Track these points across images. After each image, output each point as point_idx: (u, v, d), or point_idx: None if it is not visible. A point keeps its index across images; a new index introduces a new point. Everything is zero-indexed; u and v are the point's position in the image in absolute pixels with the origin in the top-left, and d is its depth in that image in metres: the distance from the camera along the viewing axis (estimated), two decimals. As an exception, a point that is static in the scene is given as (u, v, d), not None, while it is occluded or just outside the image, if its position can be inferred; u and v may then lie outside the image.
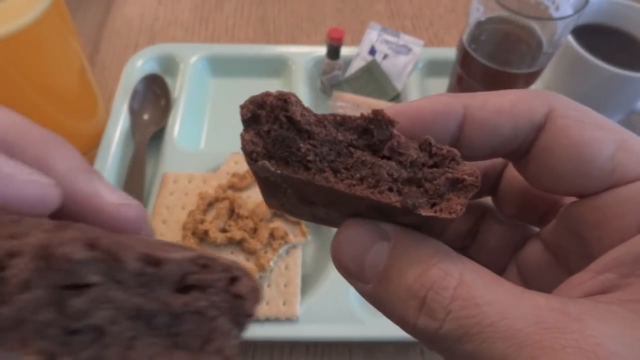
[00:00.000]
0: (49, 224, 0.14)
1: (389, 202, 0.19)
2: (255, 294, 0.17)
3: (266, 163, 0.20)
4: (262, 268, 0.56)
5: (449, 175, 0.20)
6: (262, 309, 0.55)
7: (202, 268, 0.16)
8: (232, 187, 0.61)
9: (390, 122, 0.20)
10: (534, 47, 0.63)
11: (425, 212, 0.19)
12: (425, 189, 0.20)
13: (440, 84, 0.79)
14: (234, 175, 0.63)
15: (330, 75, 0.78)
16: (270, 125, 0.20)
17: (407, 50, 0.80)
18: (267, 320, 0.55)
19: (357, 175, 0.20)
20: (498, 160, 0.26)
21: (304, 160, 0.20)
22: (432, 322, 0.18)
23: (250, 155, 0.20)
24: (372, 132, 0.20)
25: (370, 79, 0.78)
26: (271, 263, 0.56)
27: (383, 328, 0.56)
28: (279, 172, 0.19)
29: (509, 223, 0.27)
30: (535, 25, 0.62)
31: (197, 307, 0.15)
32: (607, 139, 0.20)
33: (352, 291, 0.58)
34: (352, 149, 0.20)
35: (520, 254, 0.26)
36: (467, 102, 0.21)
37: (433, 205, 0.20)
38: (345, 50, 0.77)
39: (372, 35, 0.82)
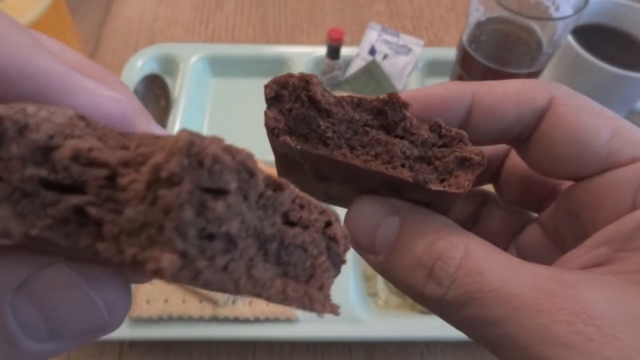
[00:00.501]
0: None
1: (402, 177, 0.21)
2: (347, 239, 0.17)
3: (287, 139, 0.21)
4: (262, 268, 0.55)
5: (458, 154, 0.21)
6: (262, 309, 0.55)
7: (300, 207, 0.16)
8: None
9: (403, 105, 0.22)
10: (534, 47, 0.63)
11: (435, 187, 0.21)
12: (435, 166, 0.21)
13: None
14: (234, 175, 0.63)
15: (330, 76, 0.78)
16: (292, 103, 0.21)
17: (407, 50, 0.80)
18: (267, 320, 0.55)
19: (372, 152, 0.21)
20: (500, 149, 0.27)
21: (323, 137, 0.21)
22: (438, 289, 0.20)
23: (272, 132, 0.21)
24: (387, 113, 0.22)
25: (370, 79, 0.78)
26: (271, 263, 0.56)
27: (383, 328, 0.56)
28: (298, 147, 0.21)
29: (509, 209, 0.28)
30: (535, 25, 0.62)
31: (303, 240, 0.15)
32: (603, 125, 0.21)
33: (352, 291, 0.58)
34: (367, 128, 0.22)
35: (519, 237, 0.27)
36: (475, 89, 0.22)
37: (442, 181, 0.21)
38: (345, 50, 0.77)
39: (372, 36, 0.82)
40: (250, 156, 0.13)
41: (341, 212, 0.23)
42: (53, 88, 0.15)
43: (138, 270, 0.12)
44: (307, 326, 0.55)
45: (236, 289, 0.13)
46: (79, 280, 0.14)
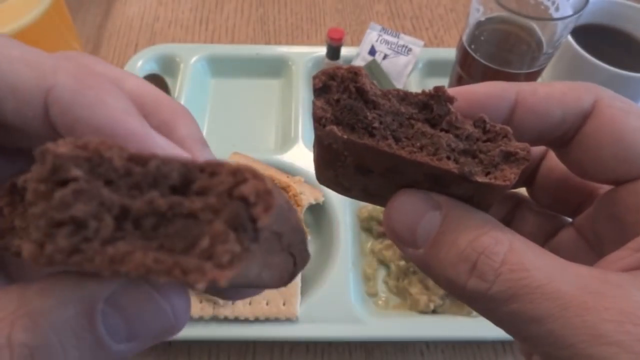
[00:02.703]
0: None
1: (448, 169, 0.21)
2: (265, 197, 0.15)
3: (334, 128, 0.21)
4: (262, 268, 0.55)
5: (503, 148, 0.21)
6: (262, 309, 0.55)
7: (210, 176, 0.15)
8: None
9: (449, 99, 0.22)
10: (533, 47, 0.63)
11: (482, 179, 0.21)
12: (480, 159, 0.22)
13: (440, 84, 0.79)
14: (234, 175, 0.63)
15: (330, 76, 0.78)
16: (339, 94, 0.21)
17: (407, 50, 0.80)
18: (267, 320, 0.55)
19: (418, 144, 0.22)
20: (536, 152, 0.27)
21: (369, 128, 0.21)
22: (482, 284, 0.20)
23: (319, 121, 0.21)
24: (432, 107, 0.22)
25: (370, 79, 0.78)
26: (271, 263, 0.56)
27: (383, 328, 0.56)
28: (345, 137, 0.21)
29: (543, 213, 0.28)
30: (535, 26, 0.62)
31: (189, 209, 0.15)
32: None
33: (352, 291, 0.58)
34: (412, 121, 0.22)
35: (553, 240, 0.27)
36: (519, 88, 0.23)
37: (487, 174, 0.21)
38: (345, 51, 0.77)
39: (372, 36, 0.82)
40: (103, 142, 0.15)
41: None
42: (136, 146, 0.18)
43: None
44: (307, 326, 0.55)
45: (93, 267, 0.14)
46: (154, 293, 0.17)
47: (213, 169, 0.15)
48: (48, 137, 0.19)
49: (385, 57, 0.80)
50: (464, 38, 0.66)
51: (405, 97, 0.22)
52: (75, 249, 0.14)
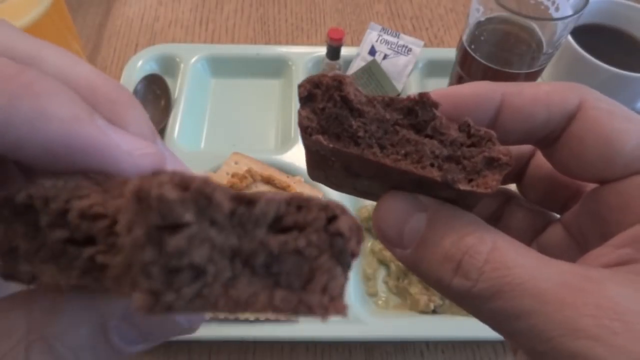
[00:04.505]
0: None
1: (431, 177, 0.21)
2: (357, 231, 0.16)
3: (320, 137, 0.21)
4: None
5: (486, 154, 0.22)
6: (262, 309, 0.55)
7: (297, 210, 0.15)
8: (232, 187, 0.61)
9: (434, 104, 0.22)
10: (533, 47, 0.63)
11: (463, 187, 0.21)
12: (463, 165, 0.22)
13: (440, 84, 0.79)
14: (234, 175, 0.63)
15: (330, 76, 0.78)
16: (325, 103, 0.22)
17: (407, 50, 0.81)
18: (267, 320, 0.55)
19: (402, 152, 0.22)
20: (525, 149, 0.28)
21: (355, 136, 0.22)
22: (466, 282, 0.20)
23: (305, 130, 0.22)
24: (417, 113, 0.22)
25: (370, 79, 0.78)
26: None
27: (383, 328, 0.56)
28: (330, 146, 0.21)
29: (532, 209, 0.29)
30: (535, 26, 0.62)
31: (295, 246, 0.15)
32: (634, 130, 0.21)
33: (352, 291, 0.58)
34: (398, 127, 0.22)
35: (541, 236, 0.27)
36: (505, 89, 0.23)
37: (470, 180, 0.21)
38: (345, 51, 0.77)
39: (372, 36, 0.82)
40: (205, 181, 0.14)
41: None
42: (100, 159, 0.17)
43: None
44: (307, 326, 0.55)
45: (217, 310, 0.14)
46: None
47: (299, 202, 0.15)
48: None
49: (385, 57, 0.80)
50: (464, 38, 0.66)
51: (390, 102, 0.22)
52: (197, 295, 0.13)
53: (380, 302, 0.60)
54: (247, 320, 0.55)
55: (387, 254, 0.62)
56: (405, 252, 0.23)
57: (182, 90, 0.76)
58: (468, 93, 0.23)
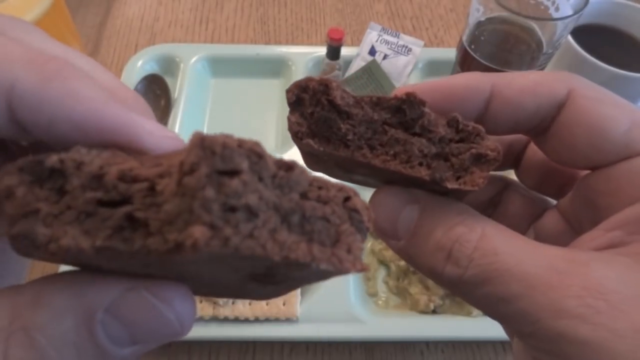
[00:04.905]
0: None
1: (420, 176, 0.22)
2: (367, 210, 0.19)
3: (310, 141, 0.22)
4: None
5: (474, 150, 0.22)
6: (262, 309, 0.55)
7: (318, 189, 0.17)
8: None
9: (421, 102, 0.22)
10: (533, 47, 0.63)
11: (451, 185, 0.22)
12: (451, 163, 0.22)
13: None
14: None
15: (330, 76, 0.78)
16: (313, 107, 0.22)
17: (407, 50, 0.81)
18: (267, 320, 0.55)
19: (391, 152, 0.22)
20: (522, 136, 0.28)
21: (344, 139, 0.22)
22: (456, 270, 0.21)
23: (295, 135, 0.22)
24: (405, 111, 0.22)
25: (370, 79, 0.78)
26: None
27: (383, 328, 0.56)
28: (321, 149, 0.22)
29: (530, 195, 0.29)
30: (535, 26, 0.62)
31: (323, 212, 0.17)
32: (622, 116, 0.22)
33: (352, 291, 0.58)
34: (386, 127, 0.22)
35: (538, 222, 0.28)
36: (495, 80, 0.23)
37: (458, 178, 0.22)
38: (345, 51, 0.77)
39: (372, 36, 0.82)
40: (256, 143, 0.15)
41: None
42: (126, 135, 0.18)
43: (182, 254, 0.14)
44: (307, 326, 0.55)
45: (264, 253, 0.15)
46: (155, 301, 0.17)
47: (319, 183, 0.18)
48: (16, 138, 0.18)
49: (385, 57, 0.80)
50: (464, 38, 0.66)
51: (378, 102, 0.22)
52: (250, 234, 0.15)
53: (380, 302, 0.60)
54: (247, 320, 0.55)
55: (387, 254, 0.62)
56: (400, 243, 0.23)
57: (182, 90, 0.76)
58: (458, 84, 0.23)
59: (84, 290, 0.16)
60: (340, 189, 0.18)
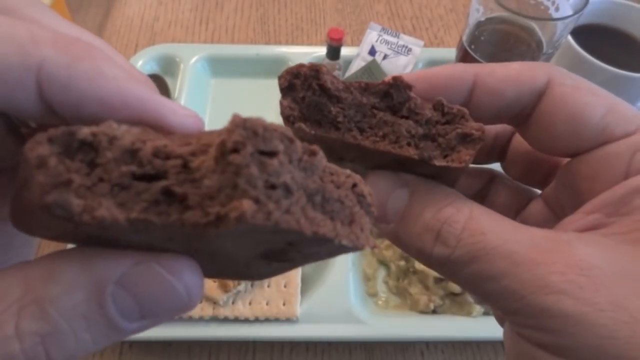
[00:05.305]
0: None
1: (408, 155, 0.22)
2: (371, 196, 0.20)
3: (302, 125, 0.23)
4: (262, 268, 0.56)
5: (459, 130, 0.23)
6: (262, 309, 0.55)
7: (330, 174, 0.19)
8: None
9: (407, 86, 0.23)
10: (533, 47, 0.63)
11: (439, 162, 0.22)
12: (438, 143, 0.23)
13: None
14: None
15: (330, 76, 0.78)
16: (304, 92, 0.23)
17: (407, 50, 0.81)
18: (267, 320, 0.55)
19: (380, 133, 0.23)
20: (507, 128, 0.29)
21: (335, 122, 0.23)
22: (445, 249, 0.22)
23: (288, 119, 0.23)
24: (392, 96, 0.23)
25: (370, 79, 0.78)
26: (271, 263, 0.56)
27: (383, 328, 0.56)
28: (313, 132, 0.23)
29: (515, 186, 0.30)
30: (535, 26, 0.62)
31: (339, 195, 0.18)
32: (598, 103, 0.22)
33: (352, 291, 0.58)
34: (375, 111, 0.23)
35: (523, 212, 0.29)
36: (477, 70, 0.24)
37: (445, 156, 0.23)
38: (345, 51, 0.77)
39: (372, 36, 0.82)
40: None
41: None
42: (152, 112, 0.18)
43: (221, 227, 0.15)
44: (307, 326, 0.55)
45: (299, 227, 0.16)
46: (165, 273, 0.17)
47: (330, 170, 0.19)
48: (42, 118, 0.18)
49: (385, 57, 0.80)
50: (464, 38, 0.66)
51: (366, 87, 0.23)
52: (288, 210, 0.16)
53: (380, 302, 0.60)
54: (247, 320, 0.55)
55: (387, 253, 0.62)
56: (389, 227, 0.24)
57: (182, 90, 0.76)
58: (442, 74, 0.24)
59: (95, 264, 0.17)
60: (349, 175, 0.19)
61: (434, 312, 0.58)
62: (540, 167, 0.28)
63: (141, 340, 0.57)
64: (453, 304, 0.58)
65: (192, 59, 0.79)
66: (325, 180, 0.18)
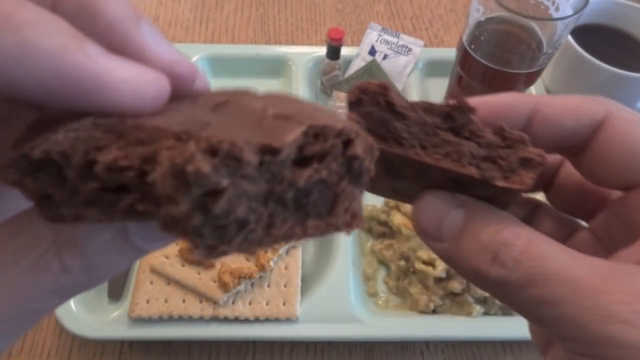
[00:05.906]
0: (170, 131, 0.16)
1: (470, 174, 0.23)
2: (371, 151, 0.19)
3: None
4: (262, 268, 0.56)
5: (520, 154, 0.23)
6: (262, 309, 0.55)
7: (315, 138, 0.17)
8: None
9: (470, 110, 0.24)
10: (534, 47, 0.63)
11: (501, 183, 0.23)
12: (499, 165, 0.23)
13: (440, 84, 0.79)
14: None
15: (330, 76, 0.78)
16: (371, 107, 0.23)
17: (407, 50, 0.81)
18: (267, 320, 0.55)
19: (442, 152, 0.24)
20: (556, 159, 0.29)
21: (398, 138, 0.23)
22: (502, 271, 0.21)
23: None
24: (455, 117, 0.24)
25: (370, 79, 0.78)
26: (271, 263, 0.56)
27: (383, 328, 0.56)
28: (377, 146, 0.23)
29: (560, 216, 0.30)
30: (535, 26, 0.62)
31: (318, 177, 0.17)
32: None
33: (352, 291, 0.58)
34: (437, 130, 0.24)
35: (569, 242, 0.29)
36: (537, 99, 0.25)
37: (506, 178, 0.23)
38: (345, 51, 0.77)
39: (372, 36, 0.82)
40: (232, 143, 0.14)
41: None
42: (92, 89, 0.16)
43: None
44: (307, 326, 0.55)
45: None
46: None
47: (315, 130, 0.17)
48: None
49: (385, 57, 0.80)
50: (464, 38, 0.66)
51: (430, 108, 0.24)
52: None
53: (380, 302, 0.60)
54: (247, 320, 0.55)
55: (387, 253, 0.62)
56: (443, 246, 0.24)
57: (182, 90, 0.76)
58: (503, 101, 0.25)
59: None
60: (339, 133, 0.17)
61: (434, 312, 0.58)
62: (588, 199, 0.28)
63: (141, 340, 0.57)
64: (453, 304, 0.58)
65: (192, 58, 0.79)
66: (308, 150, 0.17)
